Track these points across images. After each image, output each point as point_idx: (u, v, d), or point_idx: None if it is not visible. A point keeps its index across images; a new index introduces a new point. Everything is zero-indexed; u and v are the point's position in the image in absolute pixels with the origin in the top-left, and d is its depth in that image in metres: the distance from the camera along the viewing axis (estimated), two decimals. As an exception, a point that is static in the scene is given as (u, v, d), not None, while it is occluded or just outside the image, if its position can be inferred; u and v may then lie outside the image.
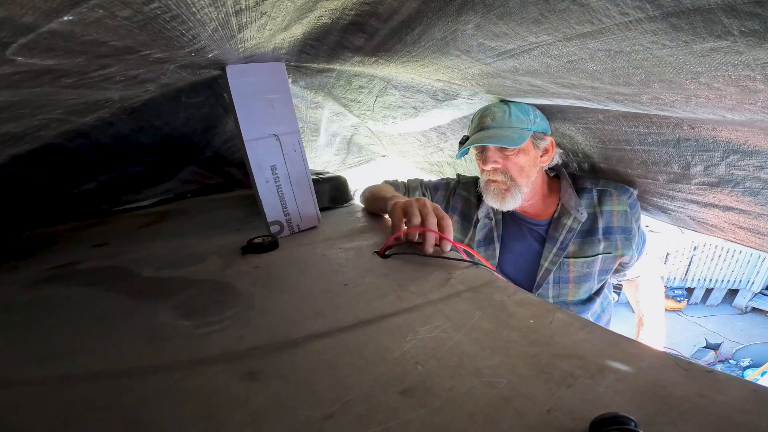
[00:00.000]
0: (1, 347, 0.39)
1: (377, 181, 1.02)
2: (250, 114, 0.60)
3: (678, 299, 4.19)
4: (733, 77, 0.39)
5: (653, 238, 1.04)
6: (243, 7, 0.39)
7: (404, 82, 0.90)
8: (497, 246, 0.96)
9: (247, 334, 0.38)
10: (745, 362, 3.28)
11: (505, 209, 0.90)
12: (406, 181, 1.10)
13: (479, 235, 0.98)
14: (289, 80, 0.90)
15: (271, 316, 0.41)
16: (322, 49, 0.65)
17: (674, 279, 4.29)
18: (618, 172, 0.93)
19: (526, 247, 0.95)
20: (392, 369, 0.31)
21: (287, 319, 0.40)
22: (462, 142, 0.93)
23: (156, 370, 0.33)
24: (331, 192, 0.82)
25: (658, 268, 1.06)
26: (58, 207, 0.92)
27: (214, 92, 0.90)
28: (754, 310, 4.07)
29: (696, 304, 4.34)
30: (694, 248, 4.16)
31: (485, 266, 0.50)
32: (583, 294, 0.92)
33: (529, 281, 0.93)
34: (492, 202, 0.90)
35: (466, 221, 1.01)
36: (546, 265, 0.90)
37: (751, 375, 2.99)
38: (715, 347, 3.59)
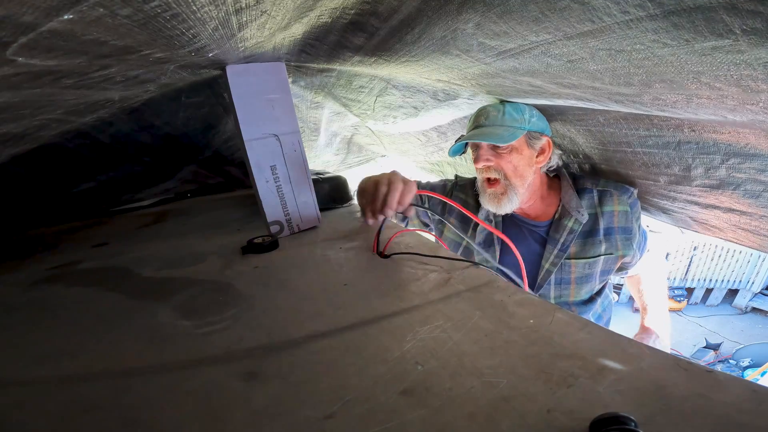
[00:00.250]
0: (1, 347, 0.39)
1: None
2: (250, 114, 0.60)
3: (678, 299, 4.19)
4: (735, 77, 0.39)
5: (654, 237, 1.04)
6: (243, 5, 0.39)
7: (404, 82, 0.90)
8: (497, 248, 0.96)
9: (247, 334, 0.38)
10: (745, 362, 3.28)
11: (502, 213, 0.90)
12: None
13: (479, 237, 0.98)
14: (289, 80, 0.90)
15: (271, 316, 0.41)
16: (323, 49, 0.65)
17: (674, 279, 4.29)
18: (619, 173, 0.93)
19: (527, 248, 0.95)
20: (392, 369, 0.31)
21: (287, 319, 0.40)
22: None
23: (156, 370, 0.33)
24: (331, 192, 0.82)
25: (661, 263, 1.05)
26: (58, 207, 0.92)
27: (214, 92, 0.90)
28: (754, 310, 4.07)
29: (696, 304, 4.34)
30: (694, 248, 4.16)
31: (485, 266, 0.50)
32: (584, 294, 0.92)
33: (529, 282, 0.93)
34: (488, 205, 0.90)
35: (465, 223, 1.01)
36: (547, 266, 0.90)
37: (751, 375, 2.99)
38: (715, 347, 3.59)
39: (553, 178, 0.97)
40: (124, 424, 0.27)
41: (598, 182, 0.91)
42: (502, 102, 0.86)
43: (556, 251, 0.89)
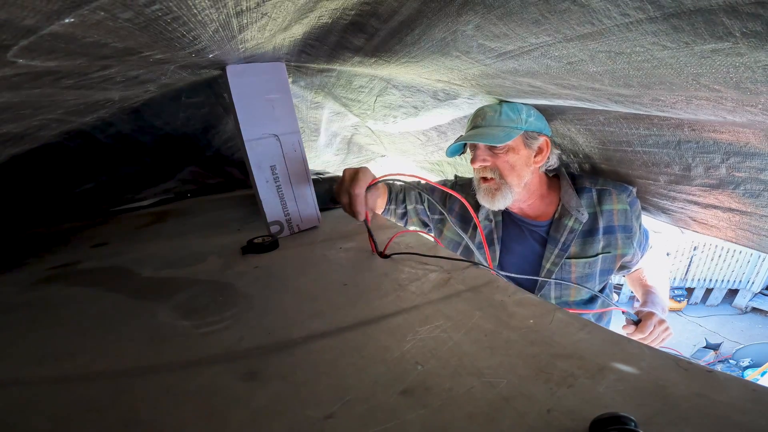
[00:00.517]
0: (1, 347, 0.39)
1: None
2: (250, 114, 0.60)
3: (678, 299, 4.19)
4: (734, 79, 0.39)
5: (654, 236, 1.03)
6: (244, 8, 0.39)
7: (404, 82, 0.90)
8: (497, 247, 0.96)
9: (247, 334, 0.38)
10: (745, 362, 3.29)
11: (495, 209, 0.90)
12: (405, 182, 1.09)
13: (479, 237, 0.98)
14: (289, 80, 0.90)
15: (271, 316, 0.41)
16: (323, 49, 0.65)
17: (674, 279, 4.29)
18: (619, 172, 0.94)
19: (527, 248, 0.95)
20: (392, 369, 0.31)
21: (287, 319, 0.40)
22: None
23: (156, 370, 0.33)
24: (331, 192, 0.82)
25: (662, 257, 1.05)
26: (58, 207, 0.92)
27: (214, 92, 0.90)
28: (754, 310, 4.07)
29: (696, 304, 4.34)
30: (694, 248, 4.17)
31: (485, 266, 0.50)
32: (584, 294, 0.92)
33: (530, 283, 0.93)
34: (483, 201, 0.90)
35: (464, 223, 1.01)
36: (548, 266, 0.90)
37: (751, 375, 2.99)
38: (715, 347, 3.60)
39: (553, 177, 0.98)
40: (124, 424, 0.27)
41: (596, 181, 0.91)
42: (500, 102, 0.86)
43: (556, 251, 0.89)
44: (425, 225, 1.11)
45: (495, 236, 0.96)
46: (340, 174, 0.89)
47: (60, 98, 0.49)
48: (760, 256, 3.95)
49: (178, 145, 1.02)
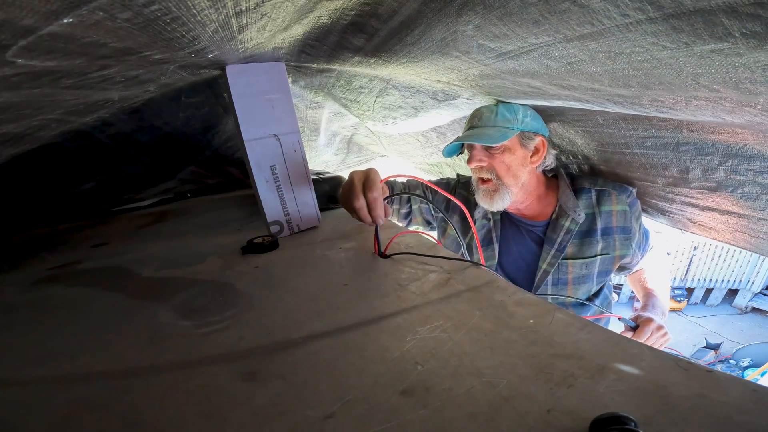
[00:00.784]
0: (1, 347, 0.39)
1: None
2: (250, 114, 0.60)
3: (678, 299, 4.19)
4: (734, 79, 0.39)
5: (655, 236, 1.03)
6: (243, 8, 0.39)
7: (404, 83, 0.90)
8: (496, 247, 0.96)
9: (247, 334, 0.38)
10: (745, 362, 3.29)
11: (494, 209, 0.90)
12: (405, 180, 1.10)
13: (478, 235, 0.98)
14: (289, 80, 0.90)
15: (271, 316, 0.41)
16: (322, 50, 0.65)
17: (674, 279, 4.29)
18: (618, 174, 0.93)
19: (524, 248, 0.95)
20: (392, 369, 0.31)
21: (287, 319, 0.40)
22: None
23: (156, 370, 0.33)
24: (331, 192, 0.82)
25: (663, 257, 1.05)
26: (58, 207, 0.92)
27: (213, 92, 0.90)
28: (754, 310, 4.07)
29: (696, 304, 4.34)
30: (694, 248, 4.17)
31: (485, 266, 0.50)
32: (581, 295, 0.92)
33: (527, 282, 0.93)
34: (481, 202, 0.91)
35: (467, 222, 1.01)
36: (544, 266, 0.90)
37: (751, 375, 2.99)
38: (715, 347, 3.60)
39: (551, 178, 0.97)
40: (124, 424, 0.27)
41: (596, 182, 0.91)
42: (497, 103, 0.86)
43: (553, 251, 0.89)
44: (429, 224, 1.11)
45: (493, 235, 0.96)
46: (340, 174, 0.90)
47: (59, 98, 0.49)
48: (760, 257, 3.95)
49: (178, 145, 1.02)
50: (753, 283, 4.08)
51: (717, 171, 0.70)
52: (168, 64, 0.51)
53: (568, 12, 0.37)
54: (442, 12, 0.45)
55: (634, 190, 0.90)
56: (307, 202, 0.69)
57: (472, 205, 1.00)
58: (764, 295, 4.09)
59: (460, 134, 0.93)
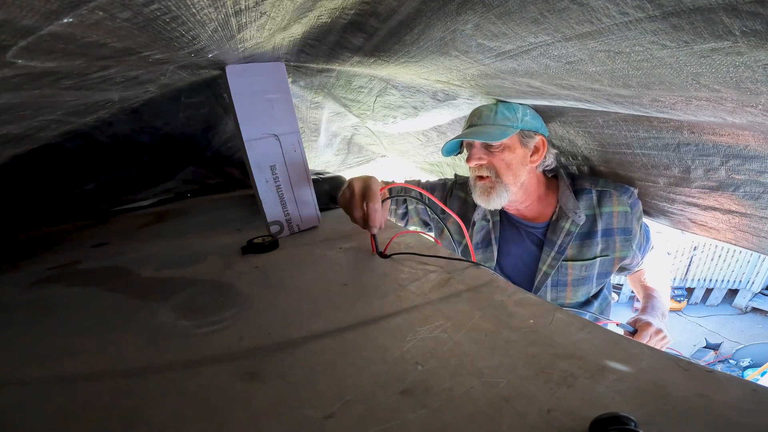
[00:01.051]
0: (1, 347, 0.39)
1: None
2: (250, 114, 0.60)
3: (678, 299, 4.19)
4: (734, 79, 0.39)
5: (655, 236, 1.03)
6: (242, 7, 0.39)
7: (404, 83, 0.90)
8: (495, 248, 0.95)
9: (247, 334, 0.38)
10: (745, 362, 3.29)
11: (491, 207, 0.90)
12: (402, 182, 1.09)
13: (476, 237, 0.98)
14: (289, 80, 0.90)
15: (271, 316, 0.41)
16: (322, 49, 0.65)
17: (674, 279, 4.29)
18: (618, 175, 0.93)
19: (524, 250, 0.94)
20: (392, 369, 0.31)
21: (287, 319, 0.40)
22: None
23: (156, 370, 0.33)
24: (331, 192, 0.82)
25: (663, 257, 1.04)
26: (58, 207, 0.92)
27: (213, 92, 0.90)
28: (754, 310, 4.07)
29: (696, 304, 4.34)
30: (694, 248, 4.17)
31: (485, 266, 0.50)
32: (581, 297, 0.91)
33: (527, 284, 0.92)
34: (478, 200, 0.90)
35: (464, 222, 1.01)
36: (544, 268, 0.90)
37: (751, 375, 2.99)
38: (715, 347, 3.60)
39: (552, 178, 0.97)
40: (124, 424, 0.27)
41: (597, 182, 0.91)
42: (497, 102, 0.86)
43: (553, 253, 0.89)
44: (426, 224, 1.11)
45: (492, 236, 0.96)
46: (340, 174, 0.89)
47: (60, 99, 0.49)
48: (760, 257, 3.95)
49: (178, 146, 1.02)
50: (753, 283, 4.08)
51: (719, 171, 0.70)
52: (168, 64, 0.51)
53: (567, 10, 0.37)
54: (441, 11, 0.45)
55: (636, 191, 0.89)
56: (307, 202, 0.69)
57: (470, 206, 1.00)
58: (764, 295, 4.09)
59: (460, 133, 0.93)
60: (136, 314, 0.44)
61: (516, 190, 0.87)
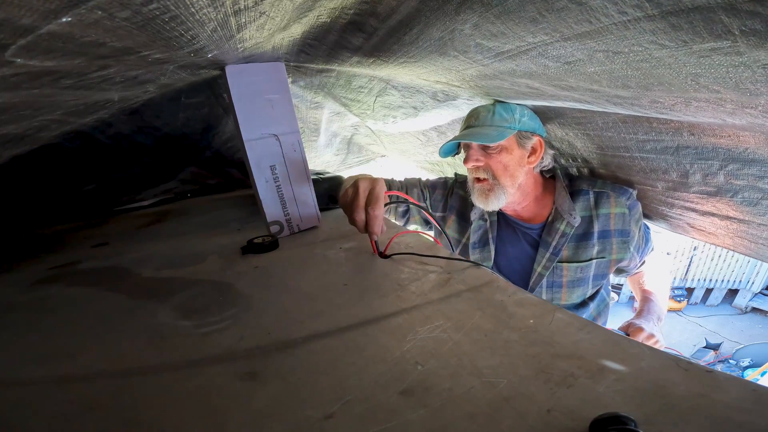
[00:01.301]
0: (1, 347, 0.39)
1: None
2: (250, 114, 0.60)
3: (678, 299, 4.19)
4: (734, 79, 0.39)
5: (655, 237, 1.02)
6: (242, 7, 0.39)
7: (404, 83, 0.90)
8: (492, 248, 0.95)
9: (247, 334, 0.38)
10: (745, 362, 3.29)
11: (489, 209, 0.90)
12: (403, 179, 1.09)
13: (474, 237, 0.98)
14: (289, 80, 0.90)
15: (271, 316, 0.41)
16: (321, 49, 0.65)
17: (674, 279, 4.29)
18: (618, 177, 0.92)
19: (520, 250, 0.94)
20: (392, 369, 0.31)
21: (287, 319, 0.40)
22: None
23: (156, 370, 0.33)
24: (331, 192, 0.82)
25: (663, 258, 1.04)
26: (58, 207, 0.92)
27: (213, 92, 0.90)
28: (754, 310, 4.07)
29: (696, 304, 4.34)
30: (694, 248, 4.16)
31: (485, 266, 0.50)
32: (576, 298, 0.91)
33: (522, 284, 0.92)
34: (476, 201, 0.90)
35: (464, 221, 1.01)
36: (539, 269, 0.89)
37: (751, 375, 2.99)
38: (715, 347, 3.59)
39: (549, 179, 0.96)
40: (124, 424, 0.27)
41: (594, 183, 0.90)
42: (494, 103, 0.86)
43: (548, 255, 0.88)
44: (427, 223, 1.11)
45: (490, 236, 0.96)
46: (340, 174, 0.89)
47: (59, 99, 0.49)
48: (760, 256, 3.94)
49: (178, 146, 1.02)
50: (753, 283, 4.07)
51: (717, 175, 0.70)
52: (167, 64, 0.51)
53: (565, 10, 0.37)
54: (440, 11, 0.45)
55: (635, 192, 0.88)
56: (307, 202, 0.69)
57: (470, 205, 1.00)
58: (764, 295, 4.08)
59: (457, 134, 0.92)
60: (136, 314, 0.44)
61: (513, 192, 0.87)
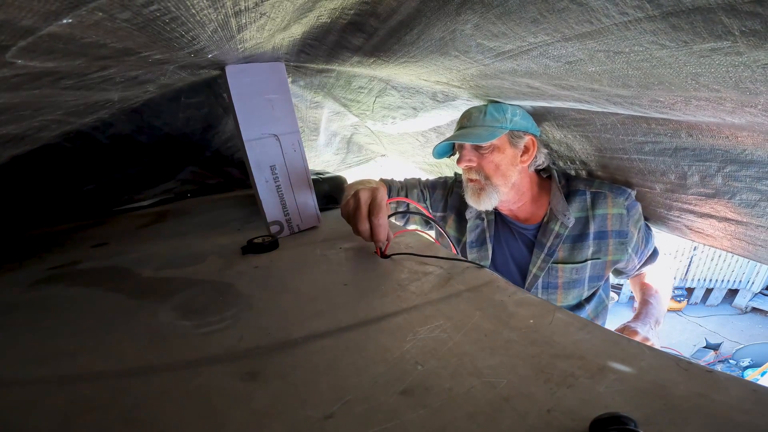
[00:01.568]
0: (1, 347, 0.39)
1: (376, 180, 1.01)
2: (250, 114, 0.60)
3: (678, 299, 4.19)
4: (734, 79, 0.39)
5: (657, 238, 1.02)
6: (242, 8, 0.39)
7: (404, 83, 0.90)
8: (489, 247, 0.95)
9: (247, 334, 0.38)
10: (745, 362, 3.29)
11: (482, 209, 0.90)
12: (403, 180, 1.10)
13: (471, 236, 0.97)
14: (289, 80, 0.90)
15: (271, 316, 0.41)
16: (321, 49, 0.65)
17: (674, 279, 4.29)
18: (616, 179, 0.92)
19: (516, 251, 0.94)
20: (392, 369, 0.31)
21: (287, 319, 0.40)
22: None
23: (156, 370, 0.33)
24: (331, 192, 0.82)
25: (665, 260, 1.04)
26: (58, 207, 0.92)
27: (213, 92, 0.90)
28: (754, 310, 4.07)
29: (696, 304, 4.34)
30: (694, 248, 4.16)
31: (486, 267, 0.50)
32: (572, 299, 0.90)
33: (518, 285, 0.92)
34: (470, 201, 0.90)
35: (463, 220, 1.01)
36: (534, 270, 0.89)
37: (751, 375, 2.99)
38: (715, 347, 3.59)
39: (546, 179, 0.96)
40: (124, 424, 0.27)
41: (592, 184, 0.89)
42: (487, 103, 0.86)
43: (543, 255, 0.88)
44: (427, 223, 1.11)
45: (487, 235, 0.96)
46: (340, 174, 0.89)
47: (59, 99, 0.49)
48: (760, 256, 3.94)
49: (178, 146, 1.02)
50: (753, 283, 4.07)
51: (715, 177, 0.70)
52: (167, 64, 0.51)
53: (566, 10, 0.37)
54: (441, 11, 0.45)
55: (633, 193, 0.87)
56: (307, 202, 0.69)
57: (467, 204, 0.99)
58: (764, 295, 4.08)
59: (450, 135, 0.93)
60: (136, 314, 0.44)
61: (507, 191, 0.87)
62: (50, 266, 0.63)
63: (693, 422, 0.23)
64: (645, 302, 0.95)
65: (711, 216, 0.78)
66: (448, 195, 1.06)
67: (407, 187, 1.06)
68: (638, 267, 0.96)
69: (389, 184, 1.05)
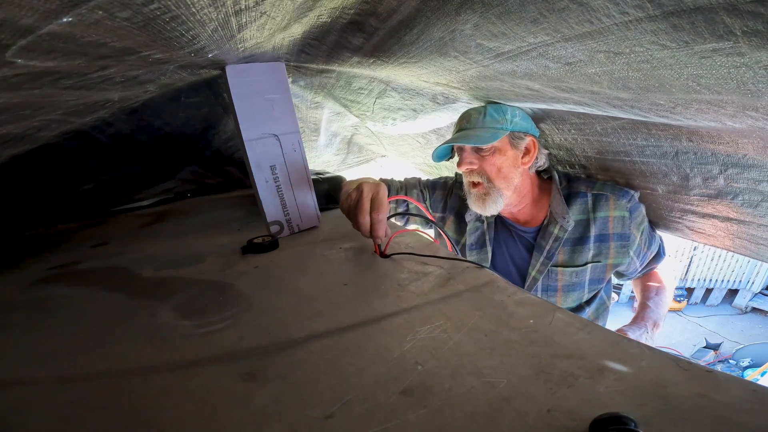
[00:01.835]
0: (1, 347, 0.39)
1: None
2: (250, 114, 0.60)
3: (678, 299, 4.19)
4: (735, 80, 0.39)
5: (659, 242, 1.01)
6: (243, 7, 0.39)
7: (404, 85, 0.90)
8: (489, 250, 0.95)
9: (247, 334, 0.38)
10: (745, 362, 3.29)
11: (487, 214, 0.88)
12: (403, 179, 1.09)
13: (470, 238, 0.97)
14: (289, 80, 0.90)
15: (270, 316, 0.41)
16: (322, 49, 0.65)
17: (674, 279, 4.28)
18: (617, 182, 0.92)
19: (515, 253, 0.93)
20: (392, 369, 0.31)
21: (287, 319, 0.40)
22: None
23: (156, 370, 0.33)
24: (331, 192, 0.82)
25: (667, 263, 1.03)
26: (58, 207, 0.92)
27: (213, 92, 0.90)
28: (754, 310, 4.07)
29: (696, 304, 4.34)
30: (694, 248, 4.16)
31: (485, 266, 0.50)
32: (571, 303, 0.89)
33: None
34: (474, 207, 0.89)
35: (463, 222, 1.00)
36: (533, 273, 0.88)
37: (751, 375, 2.99)
38: (715, 347, 3.59)
39: (547, 180, 0.95)
40: (124, 424, 0.27)
41: (593, 185, 0.88)
42: (485, 104, 0.85)
43: (542, 259, 0.87)
44: (427, 222, 1.11)
45: (487, 238, 0.95)
46: (340, 174, 0.89)
47: (59, 99, 0.49)
48: (760, 256, 3.94)
49: (178, 145, 1.02)
50: (753, 283, 4.07)
51: (717, 179, 0.70)
52: (168, 63, 0.51)
53: (566, 10, 0.37)
54: (440, 11, 0.45)
55: (636, 194, 0.85)
56: (307, 202, 0.69)
57: (466, 207, 0.99)
58: (764, 295, 4.08)
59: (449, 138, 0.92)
60: (136, 314, 0.44)
61: (510, 194, 0.86)
62: (50, 266, 0.63)
63: (693, 422, 0.23)
64: (643, 305, 0.94)
65: (713, 216, 0.78)
66: (447, 196, 1.06)
67: (407, 187, 1.06)
68: (640, 269, 0.95)
69: (389, 184, 1.04)
